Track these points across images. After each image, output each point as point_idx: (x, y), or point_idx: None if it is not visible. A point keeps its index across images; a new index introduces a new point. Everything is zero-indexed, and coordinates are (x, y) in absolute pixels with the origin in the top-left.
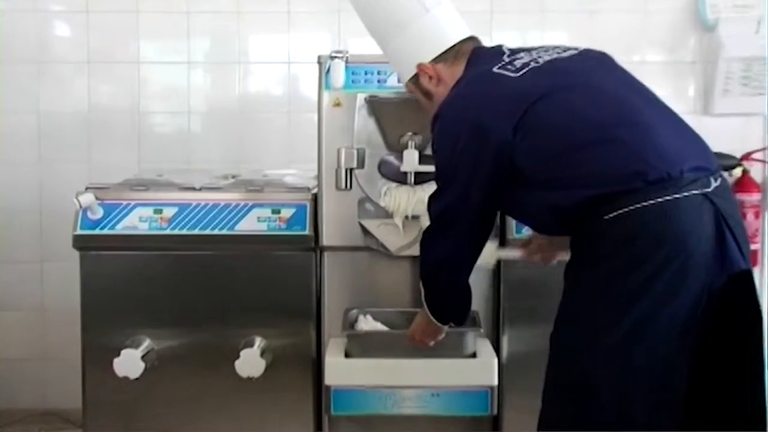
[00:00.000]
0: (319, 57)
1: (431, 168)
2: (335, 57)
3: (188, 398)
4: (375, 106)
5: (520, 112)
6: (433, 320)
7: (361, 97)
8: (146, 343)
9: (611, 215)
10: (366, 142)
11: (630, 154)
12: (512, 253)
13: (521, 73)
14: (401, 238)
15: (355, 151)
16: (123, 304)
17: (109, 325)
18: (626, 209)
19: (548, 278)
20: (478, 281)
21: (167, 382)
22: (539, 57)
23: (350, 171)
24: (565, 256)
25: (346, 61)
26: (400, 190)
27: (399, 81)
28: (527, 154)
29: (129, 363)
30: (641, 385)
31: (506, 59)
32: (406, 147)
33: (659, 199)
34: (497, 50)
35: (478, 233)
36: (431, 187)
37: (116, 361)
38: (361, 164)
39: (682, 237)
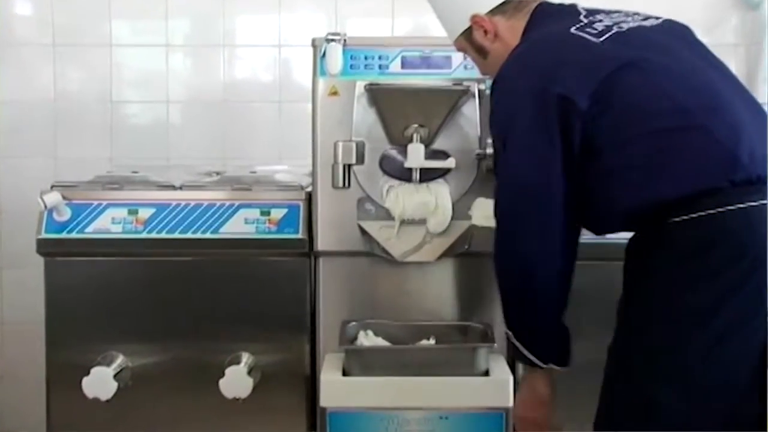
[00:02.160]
0: (314, 40)
1: (439, 164)
2: (332, 40)
3: (167, 422)
4: (376, 94)
5: (600, 80)
6: (533, 358)
7: (360, 85)
8: (119, 361)
9: (684, 218)
10: (366, 135)
11: (719, 147)
12: None
13: (604, 38)
14: (406, 243)
15: (354, 145)
16: (93, 317)
17: (77, 340)
18: (704, 213)
19: (594, 283)
20: (490, 288)
21: (143, 404)
22: (622, 22)
23: (348, 167)
24: None
25: (344, 44)
26: (404, 189)
27: (449, 37)
28: (605, 131)
29: (100, 383)
30: (711, 410)
31: (584, 20)
32: (410, 140)
33: (744, 205)
34: (571, 9)
35: (567, 216)
36: (439, 186)
37: (85, 381)
38: (360, 160)
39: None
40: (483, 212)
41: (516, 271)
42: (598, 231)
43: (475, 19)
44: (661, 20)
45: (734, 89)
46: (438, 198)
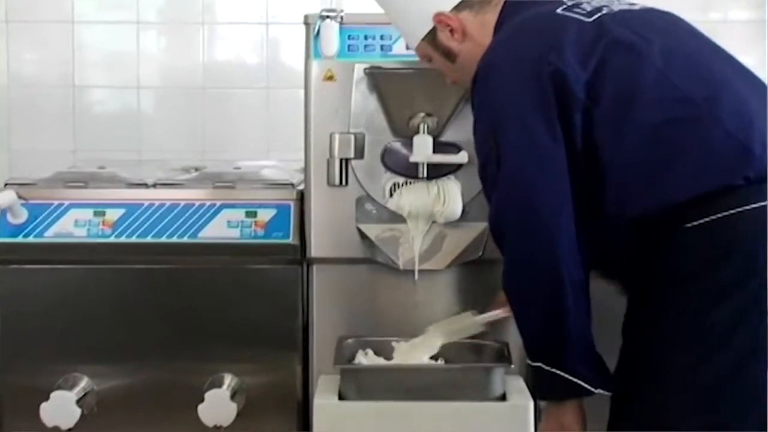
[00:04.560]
0: (306, 17)
1: (449, 158)
2: (327, 17)
3: None
4: (378, 79)
5: (595, 64)
6: (580, 382)
7: (359, 68)
8: (83, 383)
9: (696, 223)
10: (366, 126)
11: (730, 140)
12: (496, 316)
13: (594, 18)
14: (411, 248)
15: (352, 138)
16: (53, 333)
17: (34, 360)
18: (719, 215)
19: (594, 300)
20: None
21: None
22: (610, 4)
23: (346, 162)
24: None
25: (341, 22)
26: (409, 187)
27: (408, 45)
28: (600, 122)
29: (61, 409)
30: None
31: (568, 2)
32: (417, 132)
33: (759, 204)
34: None
35: (574, 220)
36: (448, 183)
37: (44, 407)
38: (359, 154)
39: None
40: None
41: (539, 285)
42: (600, 242)
43: (438, 17)
44: (645, 7)
45: (738, 73)
46: (446, 193)
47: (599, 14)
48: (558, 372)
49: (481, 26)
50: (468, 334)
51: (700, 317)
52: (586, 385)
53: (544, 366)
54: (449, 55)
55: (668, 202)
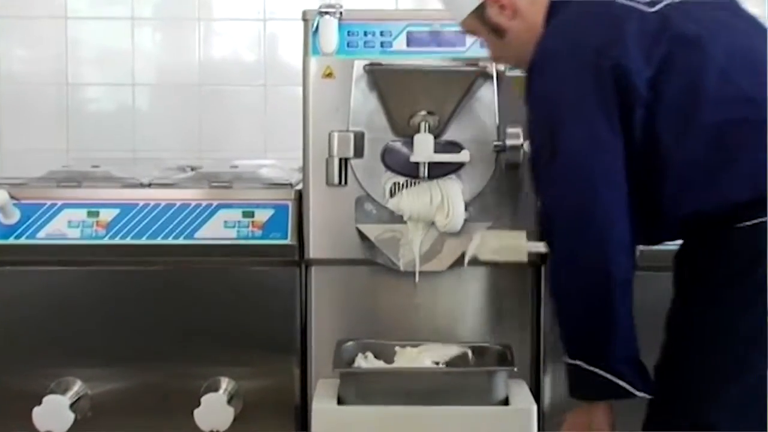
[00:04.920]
0: (305, 12)
1: (451, 157)
2: (326, 12)
3: None
4: (378, 76)
5: (660, 60)
6: (623, 383)
7: (359, 65)
8: (77, 387)
9: (749, 223)
10: (365, 125)
11: None
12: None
13: (656, 8)
14: (412, 250)
15: (352, 136)
16: (46, 336)
17: (27, 363)
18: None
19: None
20: (510, 303)
21: None
22: None
23: (345, 162)
24: None
25: (340, 18)
26: (410, 189)
27: (455, 17)
28: (662, 119)
29: (54, 413)
30: None
31: None
32: (417, 130)
33: None
34: None
35: (624, 191)
36: (449, 183)
37: (37, 411)
38: (359, 153)
39: None
40: (489, 246)
41: (588, 281)
42: (650, 238)
43: None
44: None
45: None
46: (447, 196)
47: (661, 4)
48: (599, 372)
49: (533, 4)
50: (510, 258)
51: (747, 319)
52: (628, 387)
53: (583, 364)
54: (498, 31)
55: (725, 202)
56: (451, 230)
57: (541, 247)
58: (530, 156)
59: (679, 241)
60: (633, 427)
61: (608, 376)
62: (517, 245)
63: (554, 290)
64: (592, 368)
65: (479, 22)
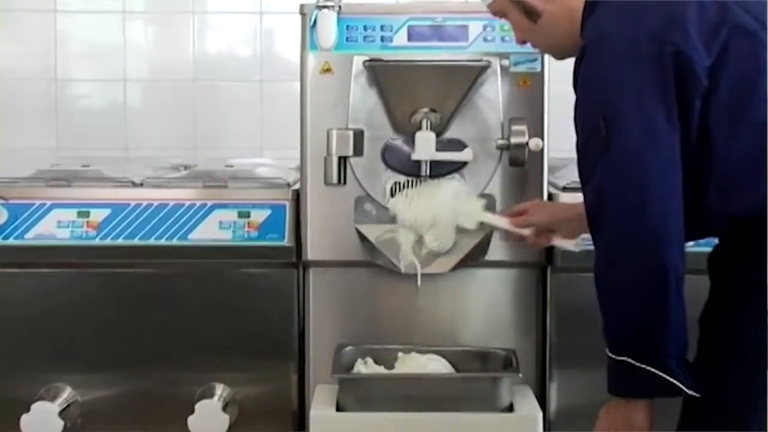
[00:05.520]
0: (302, 6)
1: (453, 156)
2: (324, 6)
3: None
4: (378, 72)
5: (719, 50)
6: (674, 381)
7: (358, 61)
8: (66, 394)
9: None
10: (365, 122)
11: None
12: (498, 222)
13: None
14: (413, 251)
15: (351, 134)
16: (34, 341)
17: (15, 369)
18: None
19: None
20: (515, 306)
21: None
22: None
23: (344, 160)
24: (565, 244)
25: (339, 12)
26: (411, 187)
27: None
28: (715, 111)
29: (42, 421)
30: None
31: None
32: (419, 128)
33: None
34: None
35: (679, 185)
36: (452, 183)
37: (25, 419)
38: (358, 151)
39: None
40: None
41: (642, 274)
42: (690, 235)
43: None
44: None
45: None
46: (437, 209)
47: None
48: (650, 369)
49: None
50: (462, 224)
51: None
52: (679, 384)
53: (632, 361)
54: (531, 14)
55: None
56: (440, 251)
57: (492, 219)
58: (579, 143)
59: (713, 241)
60: (666, 427)
61: (659, 372)
62: (470, 211)
63: (603, 283)
64: (641, 365)
65: (512, 2)
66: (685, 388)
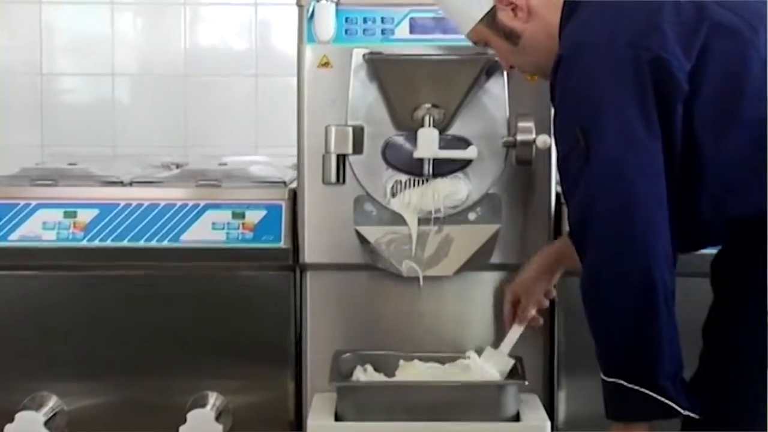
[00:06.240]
0: None
1: (457, 154)
2: None
3: None
4: (378, 66)
5: (699, 52)
6: (670, 403)
7: (358, 54)
8: (52, 403)
9: None
10: (365, 118)
11: None
12: (514, 335)
13: None
14: (415, 254)
15: (350, 131)
16: (18, 348)
17: None
18: None
19: None
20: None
21: None
22: None
23: (343, 158)
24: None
25: (338, 3)
26: (413, 186)
27: (462, 29)
28: (700, 114)
29: (27, 431)
30: None
31: None
32: (421, 124)
33: None
34: None
35: (662, 192)
36: (455, 182)
37: (9, 429)
38: (358, 149)
39: None
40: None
41: (630, 292)
42: (687, 246)
43: None
44: None
45: None
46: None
47: None
48: (642, 390)
49: (546, 4)
50: (502, 373)
51: None
52: (674, 406)
53: (623, 383)
54: (511, 37)
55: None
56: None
57: (509, 343)
58: (559, 158)
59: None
60: None
61: (652, 394)
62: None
63: (590, 302)
64: (634, 386)
65: (490, 29)
66: (680, 409)
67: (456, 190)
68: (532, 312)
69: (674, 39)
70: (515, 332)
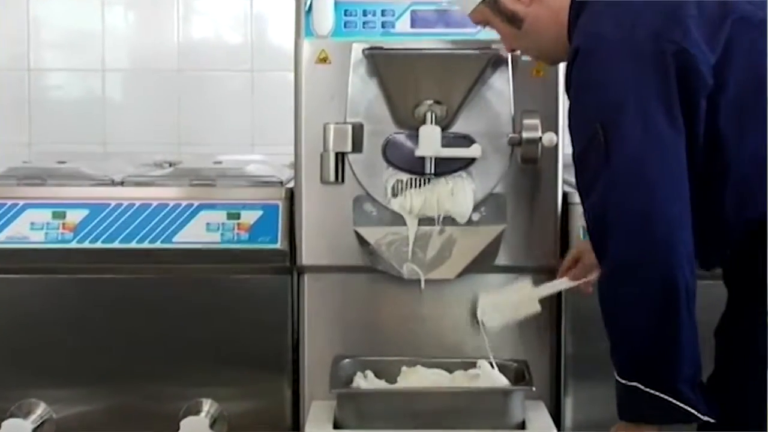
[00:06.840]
0: None
1: (460, 152)
2: None
3: None
4: (378, 61)
5: (724, 45)
6: (687, 407)
7: (357, 49)
8: (40, 410)
9: None
10: (365, 115)
11: None
12: (560, 286)
13: None
14: (417, 256)
15: (350, 128)
16: (5, 353)
17: None
18: None
19: None
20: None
21: None
22: None
23: (342, 157)
24: None
25: None
26: (414, 186)
27: (463, 8)
28: (723, 111)
29: None
30: None
31: None
32: (423, 122)
33: None
34: None
35: (685, 188)
36: (458, 181)
37: None
38: (357, 147)
39: None
40: (493, 313)
41: (651, 293)
42: (707, 249)
43: None
44: None
45: None
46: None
47: None
48: (660, 395)
49: None
50: (520, 315)
51: None
52: (693, 411)
53: (641, 386)
54: (514, 20)
55: None
56: (461, 219)
57: (551, 288)
58: (574, 153)
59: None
60: None
61: (671, 399)
62: (523, 298)
63: (608, 303)
64: (652, 391)
65: (492, 11)
66: (699, 414)
67: (461, 201)
68: (591, 276)
69: (698, 32)
70: (562, 284)
